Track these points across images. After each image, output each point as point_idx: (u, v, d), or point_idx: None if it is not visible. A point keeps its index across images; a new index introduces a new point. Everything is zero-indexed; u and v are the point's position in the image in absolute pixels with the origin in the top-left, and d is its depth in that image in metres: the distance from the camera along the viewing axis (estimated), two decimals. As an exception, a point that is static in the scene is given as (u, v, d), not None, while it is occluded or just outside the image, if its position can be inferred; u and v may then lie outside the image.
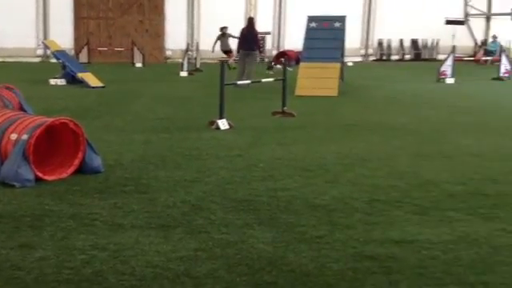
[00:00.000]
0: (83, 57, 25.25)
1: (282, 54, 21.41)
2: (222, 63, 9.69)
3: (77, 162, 6.32)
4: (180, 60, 22.80)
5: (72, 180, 6.12)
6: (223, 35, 21.50)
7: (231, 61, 21.66)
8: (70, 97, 13.98)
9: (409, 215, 5.10)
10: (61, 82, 16.75)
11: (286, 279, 3.81)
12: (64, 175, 6.19)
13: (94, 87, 15.80)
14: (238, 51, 16.73)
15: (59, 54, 17.89)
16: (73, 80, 16.59)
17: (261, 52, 16.42)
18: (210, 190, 5.87)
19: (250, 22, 17.15)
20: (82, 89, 15.51)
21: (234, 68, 20.45)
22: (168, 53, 27.71)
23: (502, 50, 19.84)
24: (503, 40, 24.55)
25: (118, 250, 4.24)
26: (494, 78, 18.24)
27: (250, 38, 16.39)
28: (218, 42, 21.48)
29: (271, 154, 7.64)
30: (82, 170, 6.32)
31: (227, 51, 21.86)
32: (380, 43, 28.71)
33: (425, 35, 28.36)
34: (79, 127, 6.35)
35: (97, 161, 6.47)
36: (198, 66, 22.60)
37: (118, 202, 5.43)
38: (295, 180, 6.29)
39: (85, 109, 11.72)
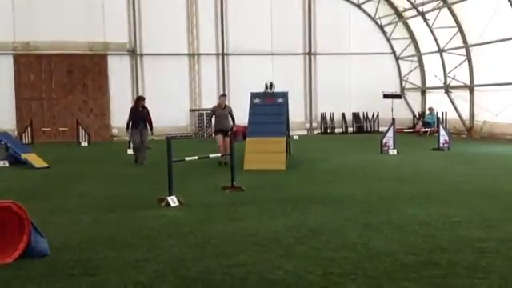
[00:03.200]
0: (27, 137, 24.82)
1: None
2: (168, 139, 9.67)
3: (22, 245, 6.09)
4: (126, 138, 22.72)
5: (17, 264, 5.88)
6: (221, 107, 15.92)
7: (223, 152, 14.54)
8: (14, 178, 13.64)
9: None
10: (3, 163, 16.35)
11: None
12: (9, 260, 5.94)
13: (38, 168, 15.48)
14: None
15: (1, 135, 17.54)
16: (16, 161, 16.25)
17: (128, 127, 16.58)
18: (161, 270, 5.75)
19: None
20: (26, 170, 15.16)
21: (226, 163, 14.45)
22: (114, 131, 27.60)
23: (439, 121, 20.74)
24: (439, 112, 25.79)
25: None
26: (434, 149, 18.94)
27: None
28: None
29: (223, 229, 7.59)
30: (28, 253, 6.09)
31: (225, 131, 15.41)
32: (323, 117, 29.56)
33: (365, 108, 29.47)
34: (23, 210, 6.17)
35: (43, 244, 6.26)
36: (145, 143, 22.48)
37: (65, 286, 5.23)
38: (249, 255, 6.24)
39: (30, 190, 11.42)
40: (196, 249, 6.58)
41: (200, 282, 5.33)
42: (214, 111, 16.22)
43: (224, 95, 17.58)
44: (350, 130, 29.55)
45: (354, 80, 29.48)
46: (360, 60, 29.44)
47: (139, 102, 16.72)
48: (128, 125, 16.43)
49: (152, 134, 16.65)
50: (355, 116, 29.80)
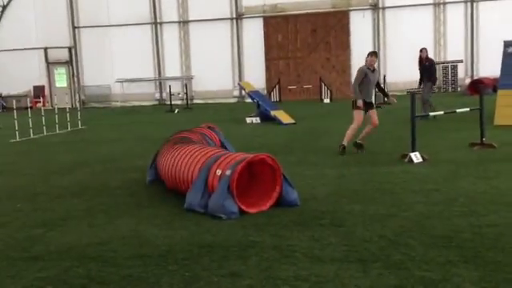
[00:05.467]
0: (274, 95, 26.54)
1: (478, 82, 20.30)
2: (412, 95, 9.44)
3: (275, 195, 6.58)
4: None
5: (271, 212, 6.39)
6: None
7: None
8: (265, 134, 14.71)
9: None
10: (256, 120, 17.76)
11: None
12: (264, 208, 6.48)
13: (286, 124, 16.45)
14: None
15: (253, 93, 19.04)
16: (266, 118, 17.48)
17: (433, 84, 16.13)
18: (407, 225, 5.71)
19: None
20: (274, 126, 16.24)
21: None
22: (354, 87, 27.90)
23: None
24: None
25: (320, 282, 4.30)
26: None
27: None
28: None
29: (471, 188, 7.22)
30: (280, 202, 6.56)
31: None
32: None
33: None
34: (276, 162, 6.62)
35: (293, 194, 6.68)
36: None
37: (315, 234, 5.52)
38: (501, 216, 5.84)
39: (279, 145, 12.22)
40: (442, 206, 6.38)
41: (448, 239, 5.18)
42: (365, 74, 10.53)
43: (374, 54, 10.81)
44: None
45: None
46: None
47: (423, 55, 16.36)
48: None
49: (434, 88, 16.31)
50: None
